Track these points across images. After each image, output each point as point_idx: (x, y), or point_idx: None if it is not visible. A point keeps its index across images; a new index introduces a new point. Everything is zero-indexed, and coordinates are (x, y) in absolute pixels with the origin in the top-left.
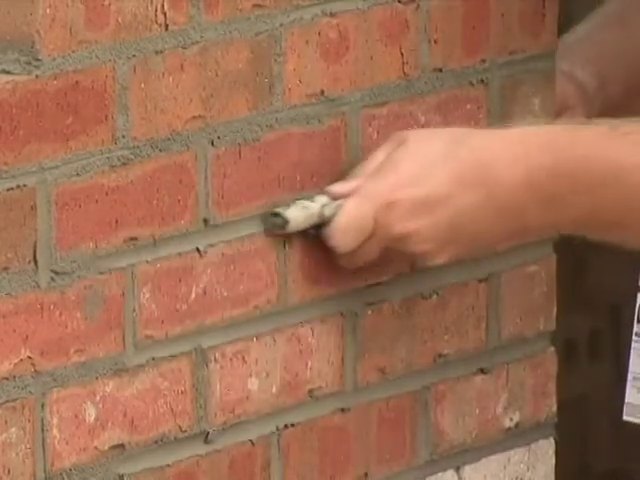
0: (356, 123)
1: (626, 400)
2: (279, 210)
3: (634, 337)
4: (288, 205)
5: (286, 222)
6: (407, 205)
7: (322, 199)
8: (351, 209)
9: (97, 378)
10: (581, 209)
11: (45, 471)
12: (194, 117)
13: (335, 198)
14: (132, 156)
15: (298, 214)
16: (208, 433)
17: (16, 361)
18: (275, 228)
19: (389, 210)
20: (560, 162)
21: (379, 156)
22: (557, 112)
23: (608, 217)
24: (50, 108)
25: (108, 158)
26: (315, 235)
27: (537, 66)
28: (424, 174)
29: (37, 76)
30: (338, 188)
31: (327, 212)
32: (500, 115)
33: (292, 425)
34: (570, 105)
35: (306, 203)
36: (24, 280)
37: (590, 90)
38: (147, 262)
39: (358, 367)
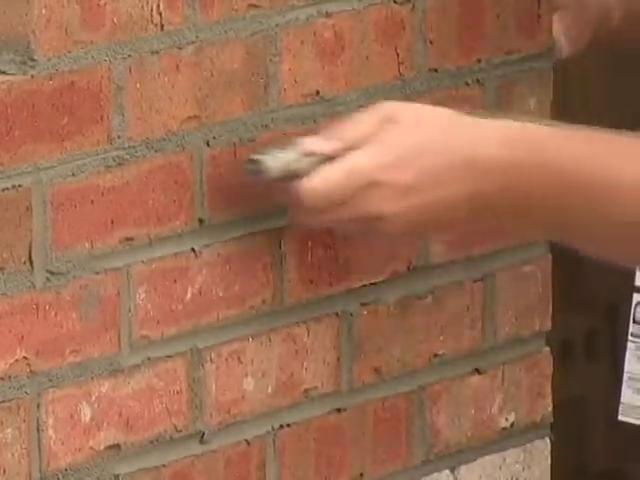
0: None
1: (621, 400)
2: (257, 157)
3: (630, 337)
4: (263, 152)
5: (261, 170)
6: (390, 188)
7: (296, 151)
8: (331, 177)
9: (93, 378)
10: (556, 216)
11: (41, 471)
12: (189, 117)
13: (309, 154)
14: (127, 156)
15: (275, 163)
16: (204, 433)
17: (11, 361)
18: (251, 174)
19: (371, 189)
20: (547, 166)
21: (364, 125)
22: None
23: (587, 230)
24: (45, 108)
25: (103, 158)
26: (284, 186)
27: (533, 66)
28: (412, 159)
29: (32, 76)
30: (317, 146)
31: (303, 165)
32: (496, 115)
33: (288, 425)
34: (561, 3)
35: (283, 154)
36: (19, 280)
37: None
38: (143, 262)
39: (354, 367)
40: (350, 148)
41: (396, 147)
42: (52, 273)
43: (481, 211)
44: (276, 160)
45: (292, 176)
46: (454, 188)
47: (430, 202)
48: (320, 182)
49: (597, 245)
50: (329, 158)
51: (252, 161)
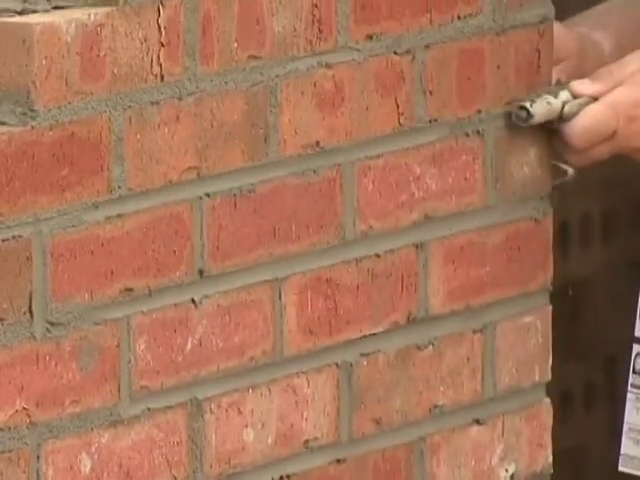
0: (351, 174)
1: (622, 451)
2: (526, 104)
3: (629, 388)
4: (533, 99)
5: (531, 116)
6: None
7: (564, 95)
8: (596, 114)
9: (92, 429)
10: None
11: None
12: (189, 168)
13: (577, 96)
14: (127, 207)
15: (542, 109)
16: None
17: (11, 412)
18: (519, 121)
19: (629, 123)
20: None
21: (632, 65)
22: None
23: None
24: (46, 159)
25: (104, 209)
26: (554, 129)
27: None
28: None
29: (33, 127)
30: (583, 88)
31: (567, 109)
32: (496, 166)
33: (288, 476)
34: (565, 57)
35: (550, 99)
36: (19, 331)
37: (606, 50)
38: (143, 313)
39: (354, 418)
40: (615, 86)
41: None
42: (52, 324)
43: None
44: (542, 106)
45: (557, 119)
46: None
47: None
48: (588, 120)
49: None
50: (594, 99)
51: (521, 108)
